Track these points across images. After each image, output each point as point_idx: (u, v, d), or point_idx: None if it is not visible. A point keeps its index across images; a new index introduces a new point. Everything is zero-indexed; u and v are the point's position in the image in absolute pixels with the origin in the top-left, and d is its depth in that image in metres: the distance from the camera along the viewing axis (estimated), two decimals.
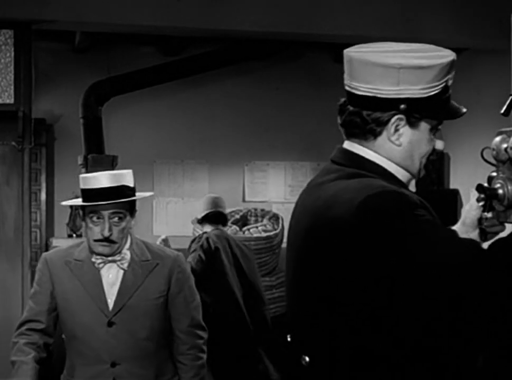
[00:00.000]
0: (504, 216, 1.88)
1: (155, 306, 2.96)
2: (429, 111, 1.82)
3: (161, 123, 7.61)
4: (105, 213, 2.86)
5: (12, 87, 5.21)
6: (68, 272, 2.94)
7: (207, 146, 7.68)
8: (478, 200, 1.87)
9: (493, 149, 1.91)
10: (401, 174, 1.87)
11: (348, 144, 1.89)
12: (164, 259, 3.02)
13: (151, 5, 5.37)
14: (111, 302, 2.92)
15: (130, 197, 2.91)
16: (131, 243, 3.00)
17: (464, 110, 1.89)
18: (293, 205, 2.01)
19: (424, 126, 1.84)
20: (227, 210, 5.49)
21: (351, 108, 1.84)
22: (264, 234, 5.62)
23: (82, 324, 2.91)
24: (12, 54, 5.22)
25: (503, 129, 1.94)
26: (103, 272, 2.94)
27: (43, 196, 7.32)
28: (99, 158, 6.32)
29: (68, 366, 3.01)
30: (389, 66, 1.77)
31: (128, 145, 7.07)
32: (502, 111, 1.96)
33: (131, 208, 2.94)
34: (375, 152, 1.85)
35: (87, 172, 6.24)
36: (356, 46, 1.87)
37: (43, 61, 6.83)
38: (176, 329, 3.05)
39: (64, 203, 3.30)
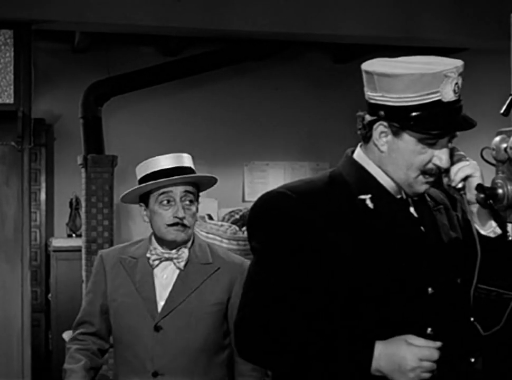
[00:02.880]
0: (504, 216, 1.88)
1: (211, 315, 2.64)
2: (408, 122, 1.79)
3: (160, 123, 7.60)
4: (177, 193, 2.66)
5: (12, 87, 5.20)
6: (122, 270, 2.70)
7: (206, 146, 7.67)
8: (478, 200, 1.87)
9: (493, 149, 1.91)
10: (384, 181, 1.87)
11: (357, 147, 1.94)
12: (228, 264, 2.70)
13: (151, 5, 5.37)
14: (161, 304, 2.64)
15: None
16: (193, 242, 2.73)
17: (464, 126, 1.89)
18: None
19: (408, 137, 1.81)
20: (227, 210, 5.49)
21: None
22: None
23: (128, 328, 2.66)
24: (12, 54, 5.21)
25: (503, 129, 1.94)
26: (157, 272, 2.67)
27: (43, 196, 7.32)
28: (99, 158, 6.32)
29: (113, 374, 2.77)
30: (368, 72, 1.83)
31: (128, 145, 7.06)
32: (502, 111, 1.96)
33: (197, 194, 2.74)
34: (366, 155, 1.89)
35: (87, 172, 6.26)
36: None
37: (43, 61, 6.83)
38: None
39: (126, 192, 2.74)
